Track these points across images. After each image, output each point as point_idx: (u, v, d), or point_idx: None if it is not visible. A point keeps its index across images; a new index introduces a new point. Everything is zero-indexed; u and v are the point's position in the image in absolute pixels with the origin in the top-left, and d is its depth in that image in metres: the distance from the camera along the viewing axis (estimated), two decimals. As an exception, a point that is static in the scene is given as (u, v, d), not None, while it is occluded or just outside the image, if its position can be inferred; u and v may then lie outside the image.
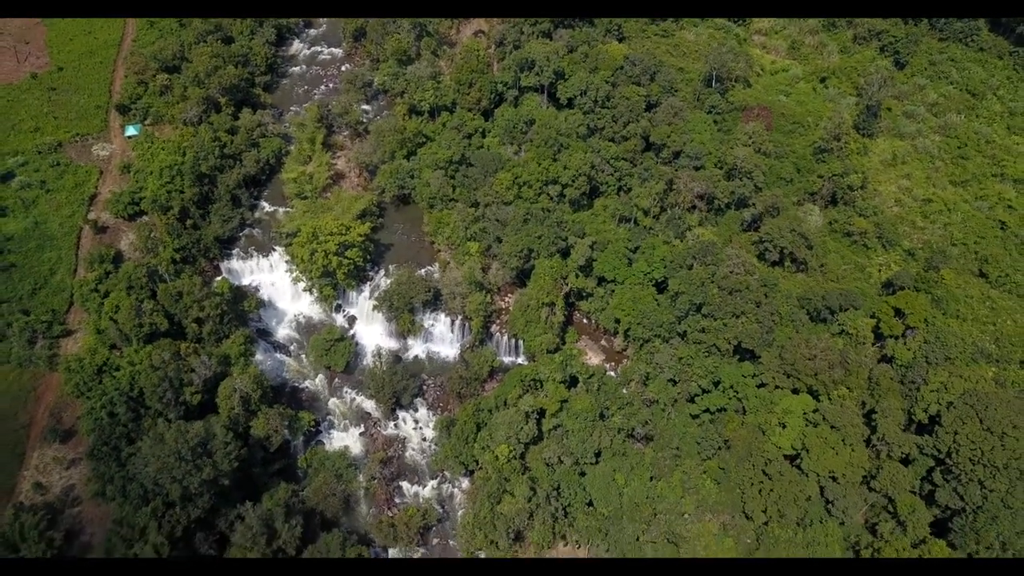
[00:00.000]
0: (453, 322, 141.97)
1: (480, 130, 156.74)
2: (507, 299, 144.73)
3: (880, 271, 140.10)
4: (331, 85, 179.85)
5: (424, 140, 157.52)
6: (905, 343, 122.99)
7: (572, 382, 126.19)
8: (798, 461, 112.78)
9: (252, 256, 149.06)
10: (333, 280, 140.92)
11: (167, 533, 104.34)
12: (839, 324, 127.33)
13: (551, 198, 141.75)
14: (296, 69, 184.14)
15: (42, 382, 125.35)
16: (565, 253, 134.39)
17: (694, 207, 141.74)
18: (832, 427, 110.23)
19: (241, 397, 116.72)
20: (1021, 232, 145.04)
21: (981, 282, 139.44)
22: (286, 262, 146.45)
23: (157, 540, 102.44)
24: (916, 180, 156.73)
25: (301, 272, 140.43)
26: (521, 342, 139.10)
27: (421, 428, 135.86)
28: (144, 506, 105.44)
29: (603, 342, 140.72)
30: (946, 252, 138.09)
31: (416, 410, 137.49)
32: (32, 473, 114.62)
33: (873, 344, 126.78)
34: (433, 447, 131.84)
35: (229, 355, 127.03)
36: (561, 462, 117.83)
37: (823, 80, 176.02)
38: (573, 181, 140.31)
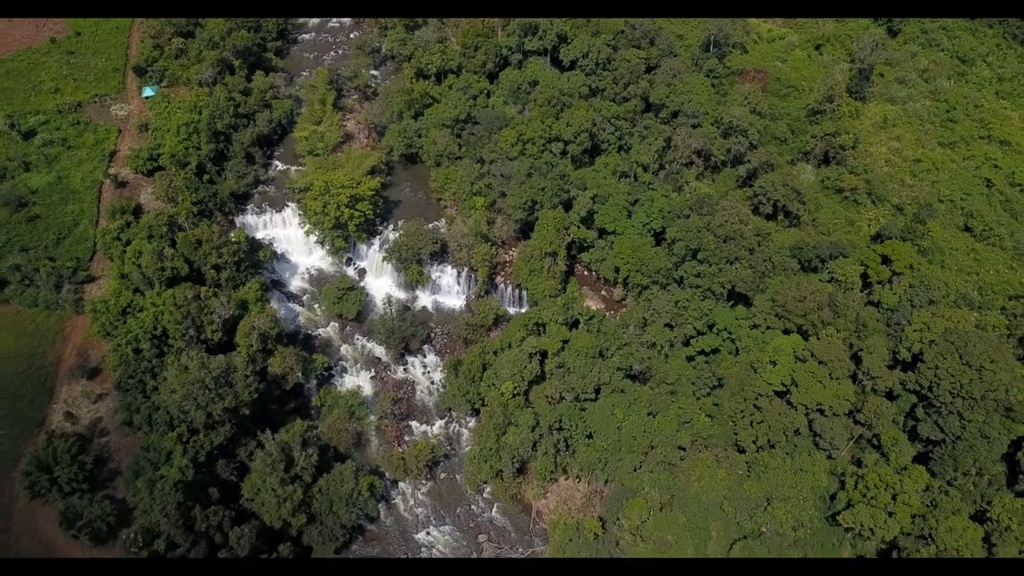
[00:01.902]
0: (459, 273, 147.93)
1: (485, 91, 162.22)
2: (511, 252, 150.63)
3: (869, 225, 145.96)
4: (340, 51, 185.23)
5: (431, 101, 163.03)
6: (891, 288, 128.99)
7: (573, 325, 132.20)
8: (787, 396, 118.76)
9: (266, 211, 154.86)
10: (344, 232, 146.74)
11: (191, 457, 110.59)
12: (829, 272, 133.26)
13: (554, 155, 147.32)
14: (307, 36, 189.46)
15: (68, 324, 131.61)
16: (567, 206, 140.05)
17: (691, 163, 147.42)
18: (820, 362, 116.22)
19: (259, 335, 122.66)
20: (1006, 189, 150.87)
21: (966, 236, 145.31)
22: (299, 216, 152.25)
23: (182, 463, 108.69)
24: (906, 142, 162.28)
25: (314, 224, 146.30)
26: (525, 292, 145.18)
27: (429, 372, 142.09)
28: (170, 432, 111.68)
29: (603, 292, 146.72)
30: (933, 207, 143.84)
31: (424, 356, 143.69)
32: (61, 406, 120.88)
33: (861, 291, 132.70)
34: (441, 389, 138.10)
35: (246, 300, 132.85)
36: (563, 398, 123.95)
37: (818, 47, 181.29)
38: (575, 138, 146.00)
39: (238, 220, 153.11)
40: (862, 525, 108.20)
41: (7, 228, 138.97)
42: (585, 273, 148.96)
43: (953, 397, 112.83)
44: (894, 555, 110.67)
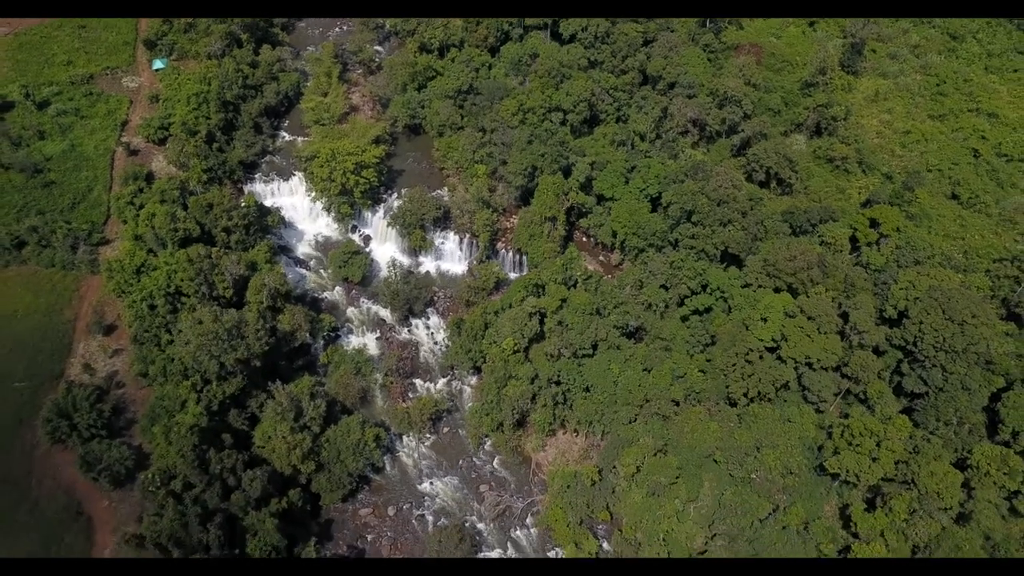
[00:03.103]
0: (461, 240, 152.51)
1: (487, 64, 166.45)
2: (512, 219, 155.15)
3: (859, 193, 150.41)
4: (345, 27, 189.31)
5: (434, 74, 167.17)
6: (878, 249, 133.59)
7: (572, 286, 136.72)
8: (777, 352, 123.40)
9: (273, 180, 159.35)
10: (350, 199, 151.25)
11: (205, 406, 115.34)
12: (819, 236, 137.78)
13: (553, 124, 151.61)
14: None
15: (84, 284, 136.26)
16: (567, 172, 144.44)
17: (687, 132, 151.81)
18: (809, 318, 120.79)
19: (269, 292, 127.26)
20: (992, 159, 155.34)
21: (953, 203, 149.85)
22: (305, 184, 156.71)
23: (196, 411, 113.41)
24: (897, 114, 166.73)
25: (320, 191, 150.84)
26: (525, 258, 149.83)
27: (433, 333, 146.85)
28: (184, 381, 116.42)
29: (601, 257, 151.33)
30: (921, 174, 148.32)
31: (428, 318, 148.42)
32: (79, 360, 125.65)
33: (850, 254, 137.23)
34: (444, 349, 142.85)
35: (256, 261, 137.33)
36: (561, 355, 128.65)
37: (812, 24, 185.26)
38: (574, 107, 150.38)
39: (246, 188, 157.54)
40: (847, 470, 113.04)
41: (24, 193, 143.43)
42: (584, 239, 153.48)
43: (936, 351, 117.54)
44: (878, 501, 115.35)
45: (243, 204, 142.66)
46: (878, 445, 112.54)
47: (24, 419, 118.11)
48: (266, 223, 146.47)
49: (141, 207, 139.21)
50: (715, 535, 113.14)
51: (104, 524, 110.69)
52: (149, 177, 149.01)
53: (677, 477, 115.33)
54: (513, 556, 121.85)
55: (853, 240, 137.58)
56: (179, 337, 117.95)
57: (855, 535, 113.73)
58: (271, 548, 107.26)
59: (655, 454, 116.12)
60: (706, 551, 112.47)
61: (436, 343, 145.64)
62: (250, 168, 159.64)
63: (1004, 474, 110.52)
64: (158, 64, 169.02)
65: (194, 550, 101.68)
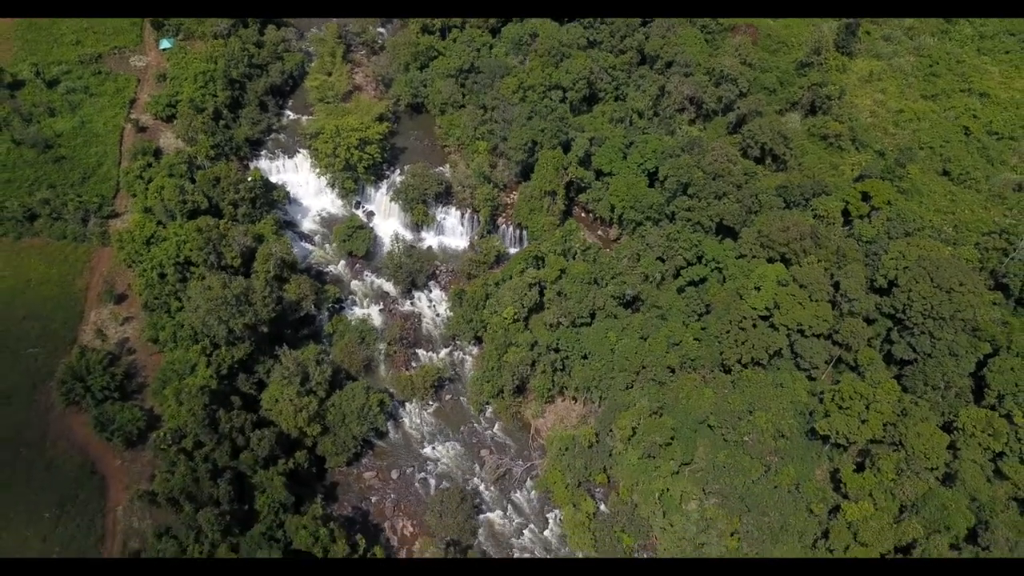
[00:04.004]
0: (463, 215, 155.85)
1: (488, 44, 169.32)
2: (512, 195, 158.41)
3: (852, 169, 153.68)
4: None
5: (436, 54, 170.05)
6: (870, 222, 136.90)
7: (571, 258, 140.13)
8: (770, 319, 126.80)
9: (278, 157, 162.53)
10: (354, 174, 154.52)
11: (215, 369, 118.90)
12: (812, 210, 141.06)
13: (553, 101, 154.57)
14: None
15: (95, 255, 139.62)
16: (566, 147, 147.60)
17: (683, 109, 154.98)
18: (801, 286, 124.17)
19: (276, 260, 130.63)
20: (983, 137, 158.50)
21: (944, 179, 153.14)
22: (310, 162, 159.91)
23: (206, 374, 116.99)
24: (890, 94, 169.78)
25: (324, 167, 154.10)
26: (525, 233, 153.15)
27: (435, 306, 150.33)
28: (194, 346, 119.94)
29: (599, 232, 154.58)
30: (913, 150, 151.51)
31: (430, 291, 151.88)
32: (91, 327, 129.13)
33: (843, 227, 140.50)
34: (446, 319, 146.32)
35: (262, 234, 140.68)
36: (560, 324, 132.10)
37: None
38: (574, 85, 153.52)
39: (252, 165, 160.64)
40: (837, 432, 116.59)
41: (35, 167, 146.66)
42: (582, 214, 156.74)
43: (924, 318, 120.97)
44: (867, 463, 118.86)
45: (249, 178, 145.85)
46: (867, 408, 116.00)
47: (39, 383, 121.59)
48: (272, 197, 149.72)
49: (150, 181, 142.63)
50: (708, 494, 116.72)
51: (117, 482, 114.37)
52: (157, 153, 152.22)
53: (672, 438, 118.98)
54: (514, 519, 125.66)
55: (845, 214, 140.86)
56: (189, 303, 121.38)
57: (845, 496, 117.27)
58: (279, 505, 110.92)
59: (651, 415, 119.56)
60: (700, 509, 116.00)
61: (438, 315, 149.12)
62: (256, 145, 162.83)
63: (989, 435, 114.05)
64: (165, 44, 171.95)
65: (205, 504, 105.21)
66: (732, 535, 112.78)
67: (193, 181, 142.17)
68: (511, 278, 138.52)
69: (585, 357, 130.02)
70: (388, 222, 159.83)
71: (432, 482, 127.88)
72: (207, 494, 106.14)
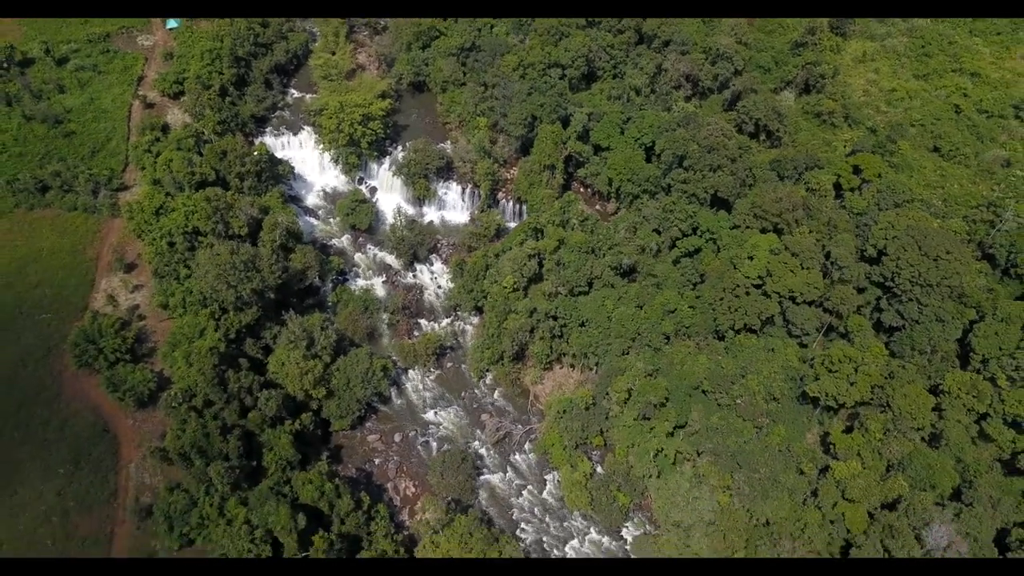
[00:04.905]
0: (464, 190, 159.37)
1: (489, 24, 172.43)
2: (512, 171, 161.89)
3: (845, 145, 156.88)
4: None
5: (438, 34, 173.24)
6: (861, 194, 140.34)
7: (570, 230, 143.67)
8: (763, 287, 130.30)
9: (283, 134, 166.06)
10: (357, 149, 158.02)
11: (223, 333, 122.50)
12: (804, 183, 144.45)
13: (552, 79, 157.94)
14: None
15: (105, 226, 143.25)
16: (565, 122, 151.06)
17: (680, 86, 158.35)
18: (793, 254, 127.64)
19: (283, 229, 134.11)
20: (973, 115, 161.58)
21: (934, 156, 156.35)
22: (314, 138, 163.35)
23: (215, 337, 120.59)
24: (883, 74, 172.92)
25: (328, 142, 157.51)
26: (525, 207, 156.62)
27: (436, 278, 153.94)
28: (203, 310, 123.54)
29: (597, 207, 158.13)
30: (904, 126, 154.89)
31: (432, 264, 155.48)
32: (102, 294, 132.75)
33: (834, 199, 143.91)
34: (448, 291, 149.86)
35: (269, 206, 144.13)
36: (558, 293, 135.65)
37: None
38: (573, 63, 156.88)
39: (257, 141, 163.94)
40: (827, 394, 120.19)
41: (45, 142, 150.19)
42: (581, 190, 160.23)
43: (912, 285, 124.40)
44: (856, 424, 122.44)
45: (255, 152, 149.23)
46: (855, 370, 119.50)
47: (52, 348, 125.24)
48: (277, 171, 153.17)
49: (158, 155, 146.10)
50: (701, 452, 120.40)
51: (128, 441, 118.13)
52: (165, 128, 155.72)
53: (666, 399, 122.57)
54: (513, 480, 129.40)
55: (837, 187, 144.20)
56: (198, 269, 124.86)
57: (834, 457, 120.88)
58: (286, 462, 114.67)
59: (646, 377, 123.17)
60: (694, 468, 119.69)
61: (440, 287, 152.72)
62: (261, 122, 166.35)
63: (973, 397, 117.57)
64: (172, 24, 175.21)
65: (215, 458, 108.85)
66: (724, 490, 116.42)
67: (200, 154, 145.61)
68: (511, 249, 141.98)
69: (583, 325, 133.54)
70: (390, 196, 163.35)
71: (434, 445, 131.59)
72: (217, 449, 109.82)
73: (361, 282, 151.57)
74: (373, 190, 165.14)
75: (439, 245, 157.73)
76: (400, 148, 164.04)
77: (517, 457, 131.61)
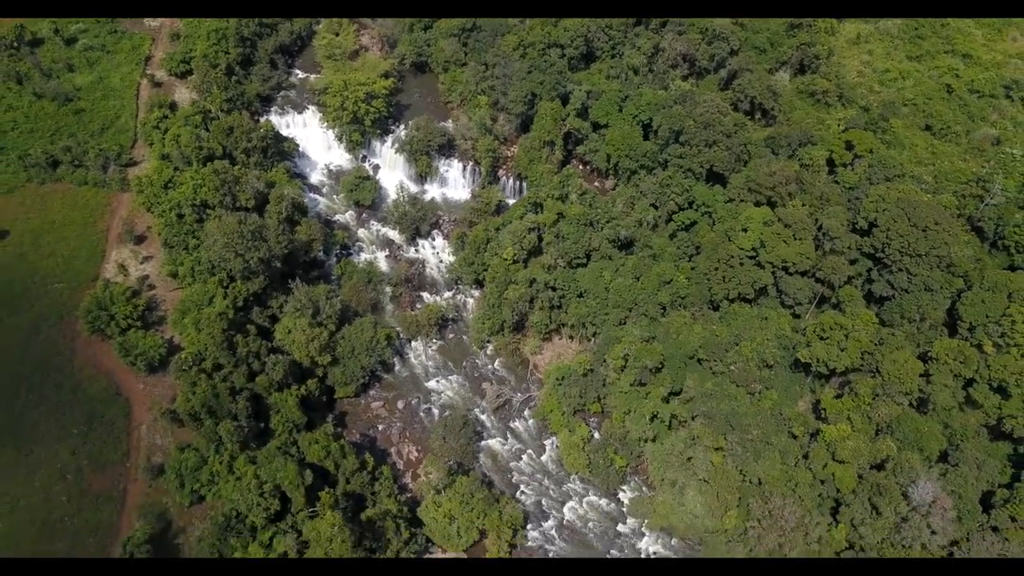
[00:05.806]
0: (465, 167, 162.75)
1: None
2: (512, 149, 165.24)
3: (838, 124, 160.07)
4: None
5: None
6: (853, 169, 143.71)
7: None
8: (757, 258, 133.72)
9: (288, 113, 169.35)
10: (361, 127, 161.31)
11: (231, 301, 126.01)
12: (798, 160, 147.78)
13: (552, 58, 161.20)
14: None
15: (115, 200, 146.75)
16: (565, 100, 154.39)
17: (677, 65, 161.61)
18: (785, 225, 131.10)
19: (289, 202, 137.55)
20: (965, 95, 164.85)
21: (926, 134, 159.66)
22: (318, 117, 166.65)
23: (223, 304, 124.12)
24: (877, 56, 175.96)
25: (332, 120, 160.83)
26: (525, 184, 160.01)
27: (438, 253, 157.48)
28: (211, 278, 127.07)
29: (596, 184, 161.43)
30: (897, 105, 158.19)
31: (434, 239, 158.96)
32: (113, 264, 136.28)
33: (827, 175, 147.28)
34: (449, 266, 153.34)
35: (275, 180, 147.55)
36: (558, 265, 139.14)
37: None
38: (572, 42, 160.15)
39: (263, 120, 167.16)
40: (818, 360, 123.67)
41: (56, 119, 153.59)
42: (580, 167, 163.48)
43: (902, 255, 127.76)
44: (846, 391, 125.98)
45: (261, 128, 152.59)
46: (846, 337, 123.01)
47: (65, 315, 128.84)
48: (283, 148, 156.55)
49: (166, 131, 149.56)
50: (695, 416, 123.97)
51: (140, 404, 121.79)
52: (172, 106, 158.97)
53: (662, 364, 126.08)
54: (513, 445, 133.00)
55: (830, 163, 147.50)
56: (206, 238, 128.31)
57: (824, 420, 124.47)
58: (293, 424, 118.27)
59: (642, 342, 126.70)
60: (689, 428, 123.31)
61: (441, 262, 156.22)
62: (266, 101, 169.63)
63: (960, 363, 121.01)
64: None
65: (224, 418, 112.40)
66: (717, 451, 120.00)
67: (208, 131, 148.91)
68: (511, 223, 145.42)
69: (581, 295, 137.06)
70: (393, 174, 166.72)
71: (436, 412, 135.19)
72: (226, 409, 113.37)
73: (365, 256, 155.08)
74: (376, 167, 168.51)
75: (441, 221, 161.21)
76: (403, 126, 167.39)
77: (517, 423, 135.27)
